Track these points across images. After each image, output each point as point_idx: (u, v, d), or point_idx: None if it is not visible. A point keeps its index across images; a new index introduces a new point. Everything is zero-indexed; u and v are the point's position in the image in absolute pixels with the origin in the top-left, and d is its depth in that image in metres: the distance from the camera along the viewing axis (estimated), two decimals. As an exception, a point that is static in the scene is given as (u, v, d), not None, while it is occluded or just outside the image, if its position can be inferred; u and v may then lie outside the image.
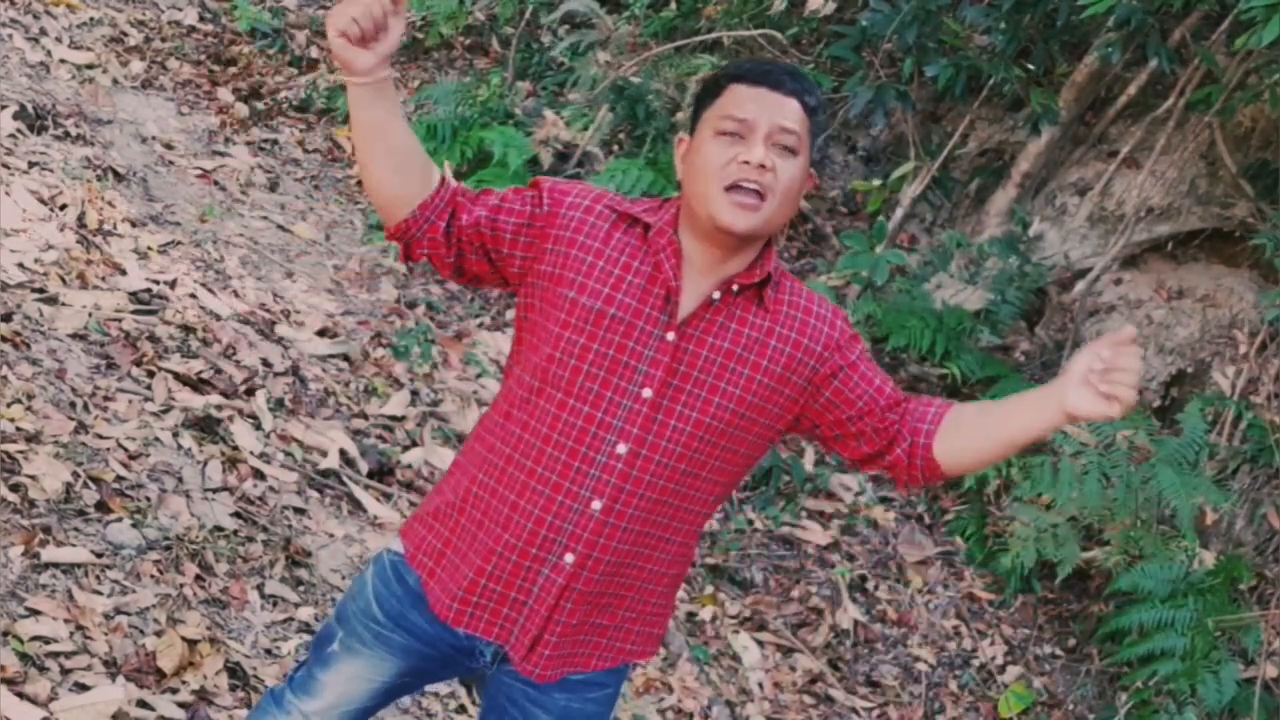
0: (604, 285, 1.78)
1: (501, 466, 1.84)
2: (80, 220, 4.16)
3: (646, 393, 1.77)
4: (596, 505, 1.79)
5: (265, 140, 5.57)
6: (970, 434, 1.82)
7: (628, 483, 1.78)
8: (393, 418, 4.07)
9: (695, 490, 1.84)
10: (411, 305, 4.79)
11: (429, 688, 3.07)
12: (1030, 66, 5.01)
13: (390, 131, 1.82)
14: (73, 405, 3.30)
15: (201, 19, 6.35)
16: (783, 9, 5.52)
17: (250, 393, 3.77)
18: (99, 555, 2.88)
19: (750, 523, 4.33)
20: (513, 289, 1.88)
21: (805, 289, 1.89)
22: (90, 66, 5.41)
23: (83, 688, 2.54)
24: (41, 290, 3.70)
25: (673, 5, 5.91)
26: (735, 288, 1.80)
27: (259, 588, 3.09)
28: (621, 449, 1.77)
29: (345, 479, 3.67)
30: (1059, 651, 4.26)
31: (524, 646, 1.86)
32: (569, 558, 1.81)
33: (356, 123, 1.81)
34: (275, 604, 3.09)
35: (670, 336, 1.77)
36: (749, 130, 1.75)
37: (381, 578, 1.95)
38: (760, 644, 3.89)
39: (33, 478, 2.95)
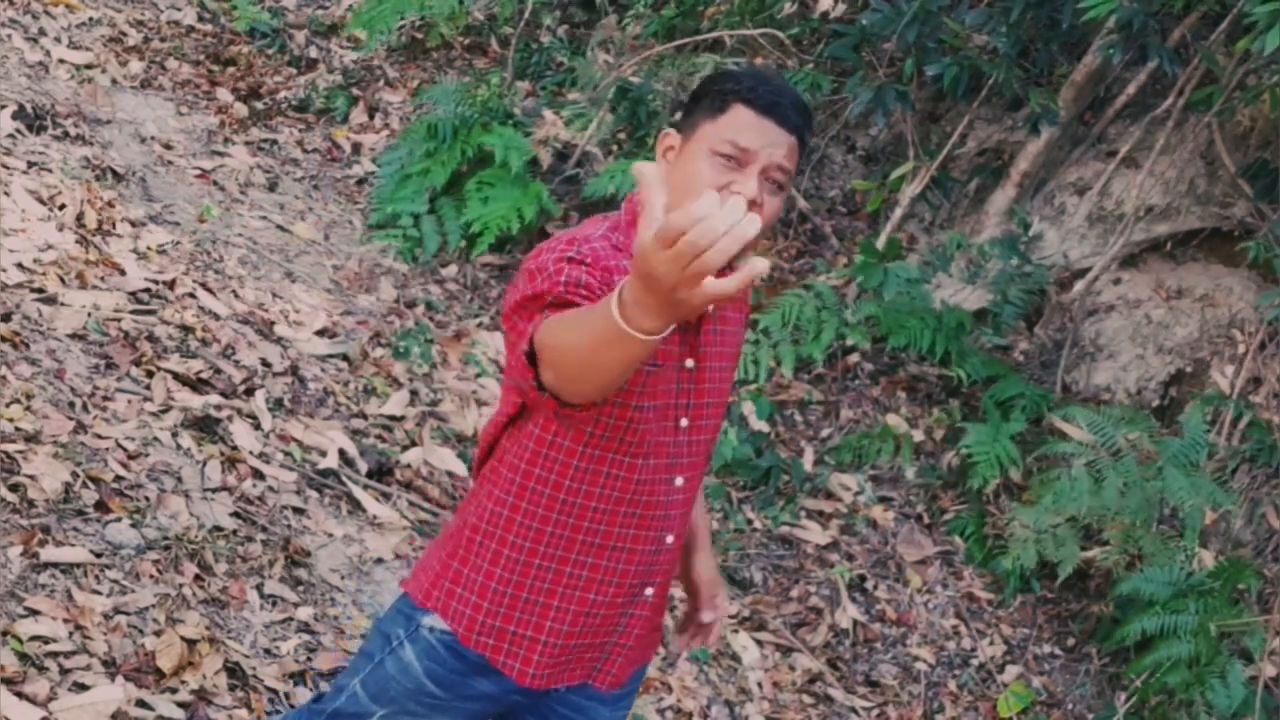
0: None
1: (569, 537, 1.80)
2: (79, 220, 4.16)
3: (684, 422, 1.83)
4: (670, 539, 1.88)
5: (264, 140, 5.57)
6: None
7: (686, 506, 1.89)
8: (392, 417, 4.07)
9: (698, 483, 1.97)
10: (411, 305, 4.78)
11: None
12: (1029, 66, 5.01)
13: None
14: (72, 405, 3.30)
15: (200, 19, 6.35)
16: (791, 11, 5.51)
17: (249, 392, 3.77)
18: (98, 555, 2.88)
19: (749, 522, 4.33)
20: None
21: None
22: (89, 66, 5.41)
23: (82, 687, 2.54)
24: (41, 290, 3.70)
25: (672, 5, 5.91)
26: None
27: (258, 587, 3.09)
28: (679, 481, 1.85)
29: (344, 479, 3.67)
30: (1058, 651, 4.26)
31: (610, 677, 1.94)
32: (649, 591, 1.91)
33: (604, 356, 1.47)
34: (274, 604, 3.09)
35: (689, 364, 1.81)
36: (748, 160, 1.69)
37: (432, 657, 1.87)
38: (759, 643, 3.89)
39: (32, 478, 2.95)
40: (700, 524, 2.12)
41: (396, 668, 1.90)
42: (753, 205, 1.67)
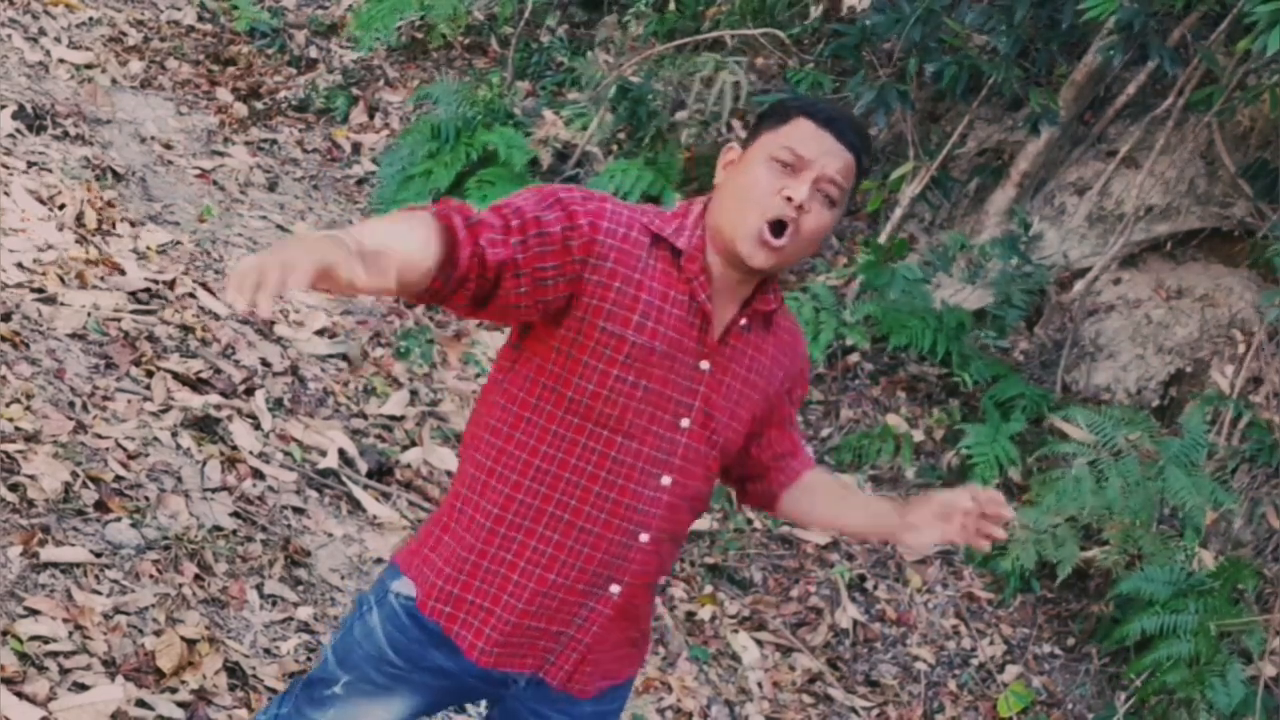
0: (648, 320, 1.75)
1: (538, 508, 1.78)
2: (79, 220, 4.16)
3: (685, 423, 1.80)
4: (644, 537, 1.82)
5: (264, 140, 5.57)
6: (819, 504, 2.01)
7: (671, 511, 1.83)
8: (392, 417, 4.07)
9: (700, 502, 1.91)
10: (410, 305, 4.79)
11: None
12: (1029, 66, 5.01)
13: (387, 261, 1.48)
14: (71, 405, 3.30)
15: (200, 19, 6.35)
16: (786, 10, 5.52)
17: (249, 392, 3.77)
18: (98, 555, 2.88)
19: (749, 522, 4.33)
20: (529, 320, 1.76)
21: (791, 312, 1.98)
22: (89, 66, 5.41)
23: (82, 687, 2.54)
24: (40, 290, 3.70)
25: (672, 5, 5.91)
26: (753, 311, 1.84)
27: (258, 587, 3.09)
28: (666, 480, 1.81)
29: (344, 478, 3.67)
30: (1058, 651, 4.26)
31: (563, 673, 1.87)
32: (615, 588, 1.83)
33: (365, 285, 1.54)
34: (274, 603, 3.09)
35: (704, 365, 1.80)
36: (803, 167, 1.74)
37: (394, 623, 1.87)
38: (759, 643, 3.89)
39: (32, 477, 2.95)
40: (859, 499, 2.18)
41: (362, 632, 1.90)
42: (800, 210, 1.73)
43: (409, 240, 1.53)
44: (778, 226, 1.73)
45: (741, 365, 1.84)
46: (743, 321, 1.82)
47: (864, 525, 2.01)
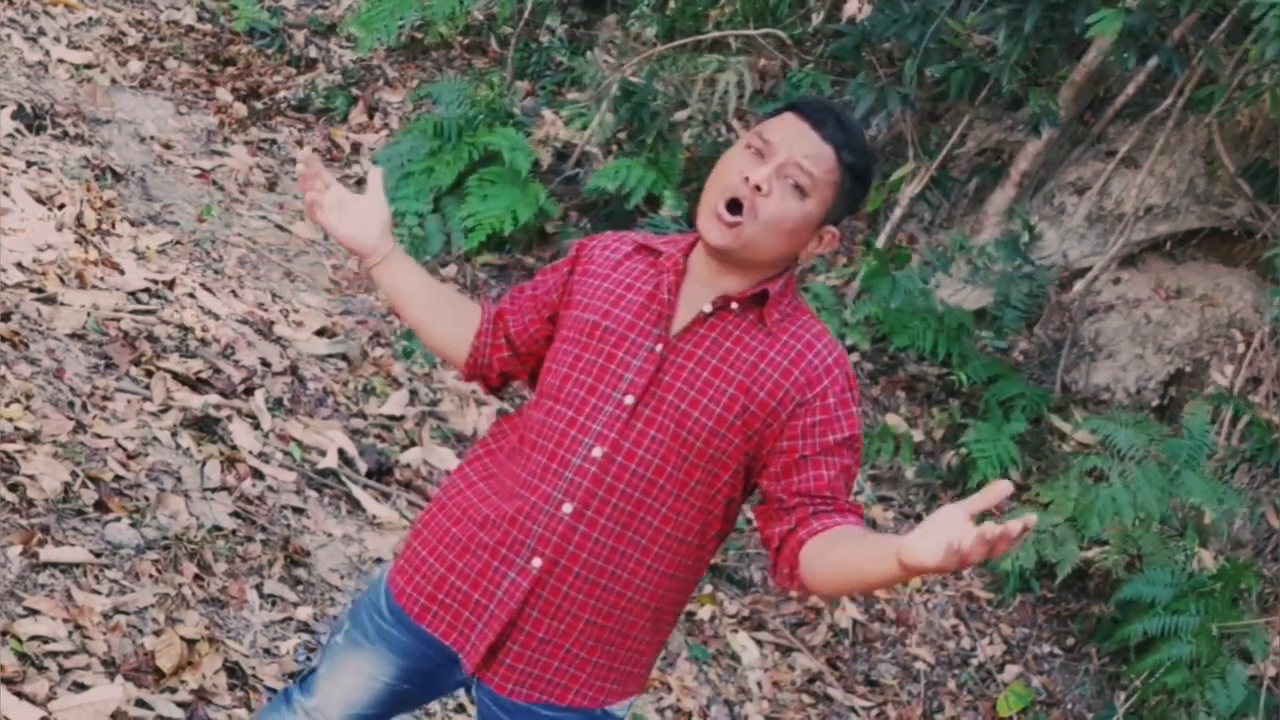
0: (604, 302, 1.84)
1: (488, 468, 1.89)
2: (79, 220, 4.15)
3: (629, 399, 1.77)
4: (567, 508, 1.77)
5: (264, 140, 5.56)
6: (830, 561, 1.72)
7: (600, 488, 1.76)
8: (391, 417, 4.07)
9: (674, 511, 1.78)
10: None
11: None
12: (1030, 66, 5.01)
13: (418, 292, 1.98)
14: (71, 405, 3.30)
15: (200, 19, 6.35)
16: (786, 7, 5.51)
17: (249, 392, 3.77)
18: (97, 555, 2.88)
19: (750, 521, 4.33)
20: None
21: (821, 329, 1.82)
22: (89, 66, 5.41)
23: (81, 687, 2.54)
24: (40, 290, 3.70)
25: (671, 5, 5.91)
26: (734, 305, 1.79)
27: (258, 587, 3.09)
28: (597, 452, 1.76)
29: (344, 478, 3.67)
30: (1058, 651, 4.27)
31: (478, 653, 1.82)
32: (536, 561, 1.78)
33: (390, 296, 2.00)
34: (274, 603, 3.09)
35: (659, 348, 1.79)
36: (769, 153, 1.74)
37: (392, 572, 1.98)
38: (759, 643, 3.89)
39: (31, 477, 2.95)
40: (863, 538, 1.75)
41: (372, 584, 2.00)
42: (756, 191, 1.71)
43: (457, 300, 2.04)
44: (733, 205, 1.73)
45: (712, 355, 1.77)
46: (707, 307, 1.78)
47: (869, 571, 1.67)
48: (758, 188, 1.71)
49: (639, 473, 1.76)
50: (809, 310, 1.85)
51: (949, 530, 1.50)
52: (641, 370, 1.78)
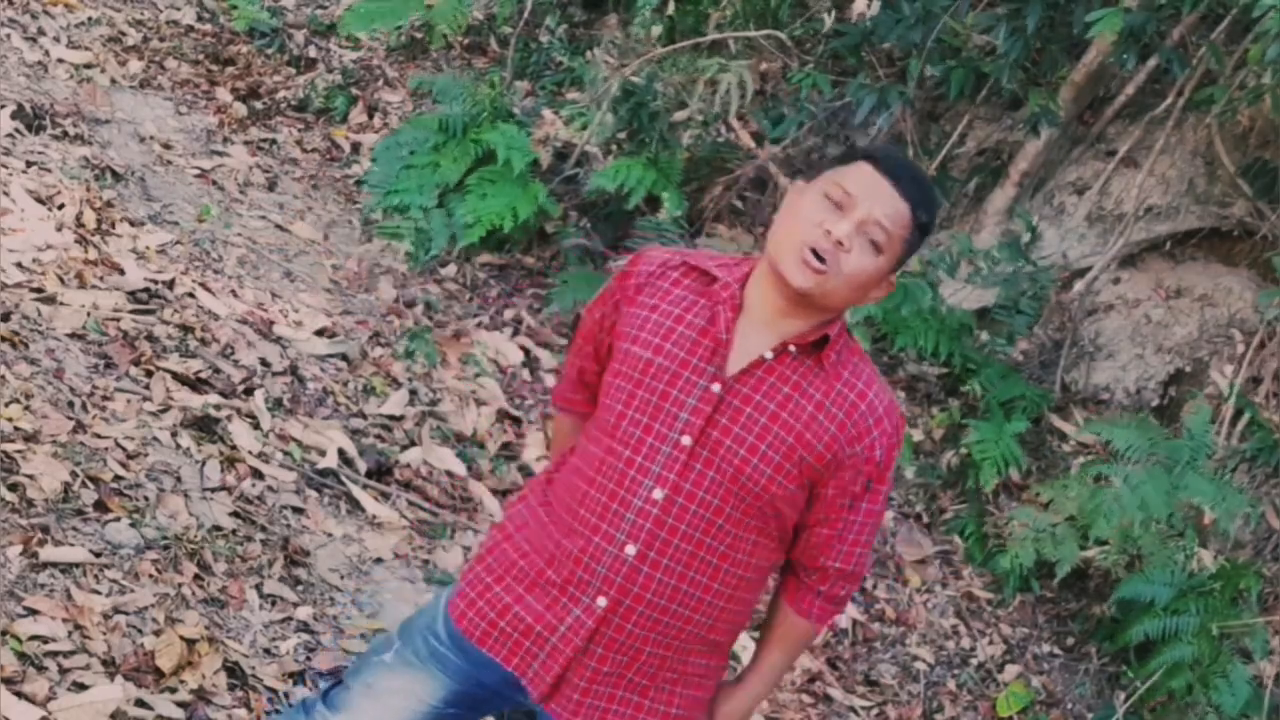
0: (655, 336, 1.84)
1: (553, 505, 1.90)
2: (78, 220, 4.15)
3: (685, 440, 1.78)
4: (631, 550, 1.80)
5: (264, 140, 5.56)
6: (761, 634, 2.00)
7: (662, 529, 1.79)
8: (391, 417, 4.07)
9: (732, 549, 1.82)
10: (410, 305, 4.78)
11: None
12: (1030, 66, 5.00)
13: None
14: (71, 405, 3.30)
15: (200, 19, 6.35)
16: (787, 9, 5.50)
17: (249, 392, 3.77)
18: (97, 555, 2.88)
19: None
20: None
21: (869, 371, 1.86)
22: (88, 66, 5.41)
23: (81, 687, 2.54)
24: (40, 290, 3.70)
25: (671, 5, 5.91)
26: (792, 349, 1.80)
27: (257, 587, 3.09)
28: (658, 494, 1.79)
29: (344, 478, 3.67)
30: (1057, 650, 4.27)
31: (545, 683, 1.86)
32: (601, 601, 1.82)
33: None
34: (274, 603, 3.09)
35: (715, 388, 1.79)
36: (850, 206, 1.75)
37: (450, 595, 1.98)
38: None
39: (31, 477, 2.95)
40: (763, 654, 2.00)
41: (429, 605, 2.01)
42: (839, 246, 1.73)
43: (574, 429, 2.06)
44: (816, 255, 1.75)
45: (770, 399, 1.78)
46: (768, 353, 1.79)
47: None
48: (840, 243, 1.73)
49: (699, 514, 1.79)
50: (859, 349, 1.88)
51: None
52: (697, 410, 1.79)
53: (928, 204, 1.80)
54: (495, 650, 1.88)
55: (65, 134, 4.73)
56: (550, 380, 4.69)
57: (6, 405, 3.13)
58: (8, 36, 5.25)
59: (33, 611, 2.64)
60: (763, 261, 1.82)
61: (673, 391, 1.79)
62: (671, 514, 1.79)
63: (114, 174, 4.66)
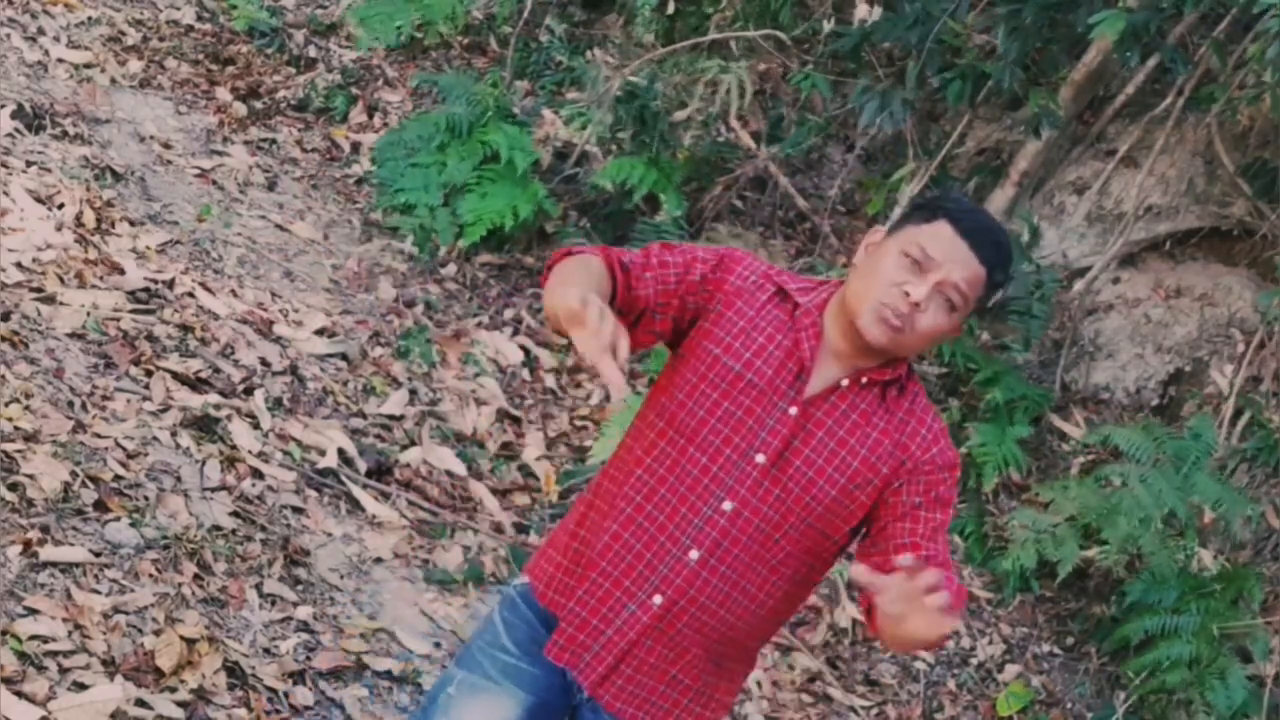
0: (746, 350, 1.87)
1: (617, 502, 1.90)
2: (78, 219, 4.15)
3: (760, 458, 1.84)
4: (694, 555, 1.85)
5: (263, 140, 5.56)
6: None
7: (726, 539, 1.84)
8: (391, 417, 4.07)
9: (784, 565, 1.88)
10: (410, 304, 4.78)
11: None
12: (1030, 66, 5.00)
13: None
14: (71, 404, 3.30)
15: (199, 18, 6.35)
16: (788, 10, 5.50)
17: (248, 392, 3.77)
18: (97, 554, 2.88)
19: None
20: (671, 341, 1.95)
21: (928, 404, 1.94)
22: (88, 66, 5.41)
23: (81, 687, 2.54)
24: (39, 289, 3.69)
25: (671, 6, 5.91)
26: (864, 380, 1.86)
27: (257, 587, 3.09)
28: (727, 506, 1.84)
29: (344, 478, 3.67)
30: (1057, 650, 4.26)
31: (596, 674, 1.90)
32: (657, 599, 1.86)
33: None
34: (274, 603, 3.09)
35: (793, 411, 1.84)
36: (930, 269, 1.80)
37: (509, 608, 2.00)
38: (759, 643, 3.89)
39: (31, 477, 2.95)
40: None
41: (484, 624, 2.02)
42: (916, 307, 1.78)
43: (601, 283, 1.79)
44: (890, 311, 1.79)
45: (840, 426, 1.85)
46: (843, 381, 1.85)
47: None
48: (916, 305, 1.79)
49: (762, 528, 1.85)
50: (917, 380, 1.94)
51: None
52: (775, 431, 1.84)
53: (1004, 265, 1.86)
54: (559, 655, 1.92)
55: (65, 134, 4.73)
56: (550, 380, 4.69)
57: (6, 405, 3.13)
58: (8, 36, 5.25)
59: (33, 611, 2.64)
60: (837, 299, 1.87)
61: (757, 409, 1.84)
62: (737, 525, 1.84)
63: (114, 174, 4.66)
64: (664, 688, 1.92)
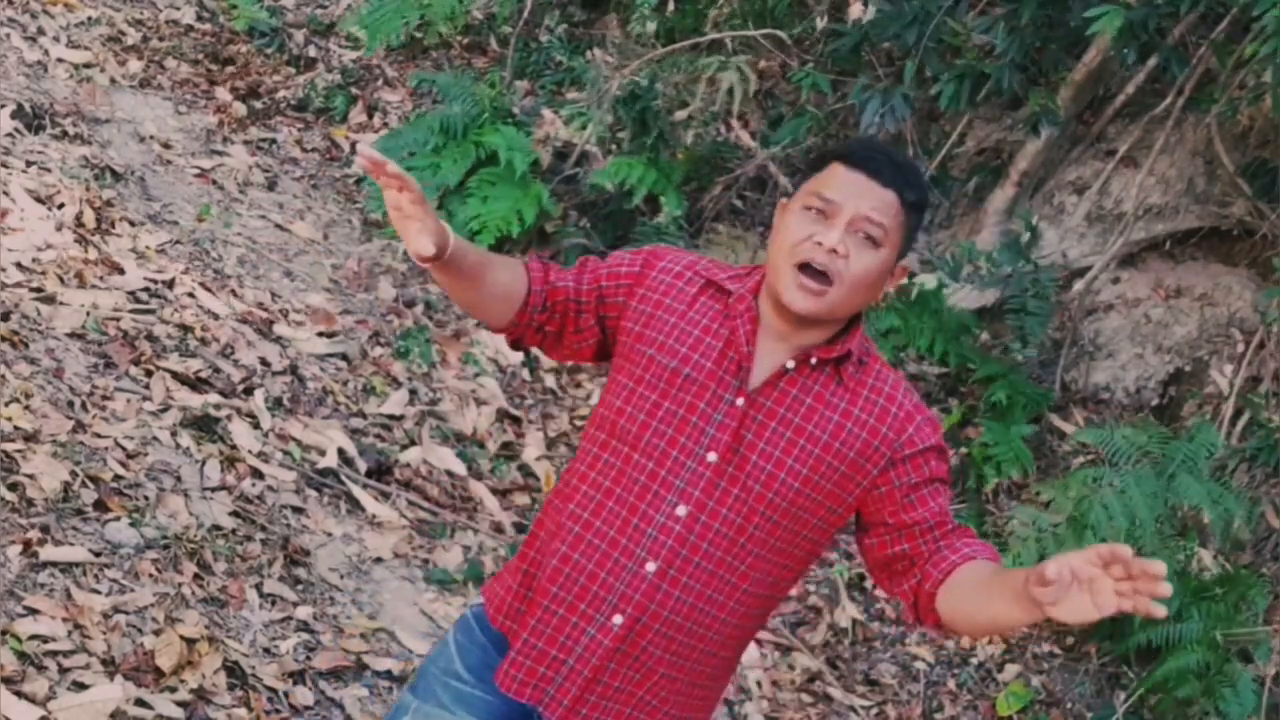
0: (681, 345, 1.78)
1: (563, 521, 1.80)
2: (78, 219, 4.15)
3: (711, 456, 1.74)
4: (651, 567, 1.74)
5: (263, 139, 5.56)
6: (965, 601, 1.70)
7: (684, 547, 1.73)
8: (391, 417, 4.07)
9: (753, 569, 1.77)
10: (410, 304, 4.78)
11: None
12: (1029, 66, 5.00)
13: (471, 280, 1.81)
14: (71, 404, 3.30)
15: (199, 18, 6.35)
16: (785, 8, 5.50)
17: (248, 392, 3.77)
18: (97, 554, 2.88)
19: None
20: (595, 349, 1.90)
21: (896, 377, 1.83)
22: (88, 66, 5.41)
23: (81, 686, 2.54)
24: (39, 289, 3.70)
25: (671, 5, 5.91)
26: (813, 360, 1.76)
27: (257, 586, 3.09)
28: (681, 511, 1.73)
29: (343, 478, 3.67)
30: (1057, 650, 4.26)
31: (562, 708, 1.78)
32: (617, 619, 1.75)
33: (446, 287, 1.84)
34: (273, 603, 3.09)
35: (739, 402, 1.74)
36: (834, 212, 1.72)
37: (464, 631, 1.90)
38: (758, 642, 3.89)
39: (31, 477, 2.95)
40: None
41: (438, 648, 1.92)
42: (835, 254, 1.70)
43: (505, 265, 1.84)
44: (810, 270, 1.71)
45: (794, 413, 1.75)
46: (789, 364, 1.75)
47: (1012, 609, 1.60)
48: (834, 251, 1.70)
49: (723, 532, 1.74)
50: (879, 356, 1.84)
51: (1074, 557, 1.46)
52: (723, 425, 1.74)
53: (911, 183, 1.76)
54: (511, 688, 1.80)
55: (65, 134, 4.73)
56: (550, 380, 4.69)
57: (6, 405, 3.13)
58: (7, 36, 5.25)
59: (33, 611, 2.64)
60: (767, 280, 1.79)
61: (700, 405, 1.75)
62: (694, 531, 1.73)
63: (114, 174, 4.66)
64: (629, 710, 1.80)
